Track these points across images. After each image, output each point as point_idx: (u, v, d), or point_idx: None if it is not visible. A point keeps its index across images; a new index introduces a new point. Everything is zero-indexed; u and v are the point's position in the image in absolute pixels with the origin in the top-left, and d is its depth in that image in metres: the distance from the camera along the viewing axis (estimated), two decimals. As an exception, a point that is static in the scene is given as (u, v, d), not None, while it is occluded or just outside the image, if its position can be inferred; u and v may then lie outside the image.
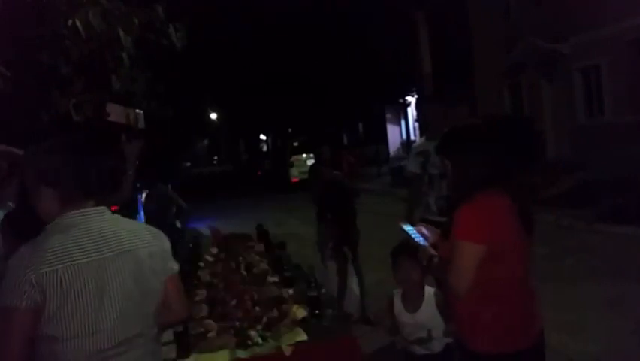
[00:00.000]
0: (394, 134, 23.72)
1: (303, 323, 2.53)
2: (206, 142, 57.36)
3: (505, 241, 2.01)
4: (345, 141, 27.07)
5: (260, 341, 2.40)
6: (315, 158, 5.73)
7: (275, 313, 2.64)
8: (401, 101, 21.88)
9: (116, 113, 6.27)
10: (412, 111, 21.81)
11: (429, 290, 2.89)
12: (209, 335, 2.53)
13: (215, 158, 59.05)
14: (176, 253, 1.91)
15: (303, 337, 2.42)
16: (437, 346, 2.85)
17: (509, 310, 2.04)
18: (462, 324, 2.14)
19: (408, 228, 2.30)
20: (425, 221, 3.11)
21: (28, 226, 1.74)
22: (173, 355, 2.41)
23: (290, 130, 28.40)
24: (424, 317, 2.84)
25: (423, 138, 4.43)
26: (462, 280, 1.98)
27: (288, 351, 2.32)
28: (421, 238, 2.24)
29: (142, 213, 12.20)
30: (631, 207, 7.47)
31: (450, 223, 2.06)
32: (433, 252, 2.17)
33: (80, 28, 4.29)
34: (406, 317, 2.90)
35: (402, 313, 2.91)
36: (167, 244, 1.83)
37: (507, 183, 2.07)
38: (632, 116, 10.74)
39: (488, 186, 2.03)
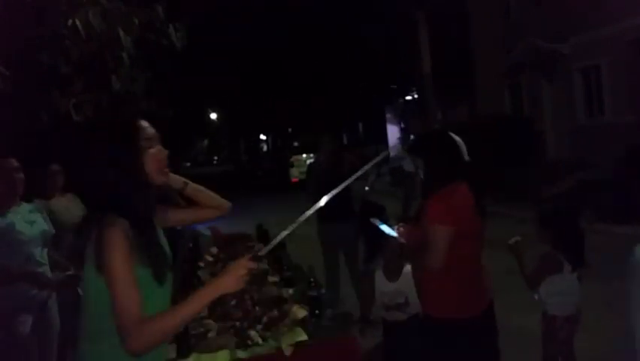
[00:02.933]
0: (394, 135, 23.72)
1: (303, 323, 2.53)
2: (206, 142, 57.32)
3: (465, 224, 2.40)
4: (345, 140, 27.04)
5: (260, 341, 2.41)
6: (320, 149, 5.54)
7: (275, 313, 2.64)
8: (401, 101, 21.88)
9: None
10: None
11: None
12: (209, 335, 2.53)
13: (216, 158, 59.02)
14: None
15: (303, 337, 2.42)
16: (414, 309, 3.21)
17: (466, 282, 2.45)
18: (427, 296, 2.55)
19: (378, 223, 2.71)
20: None
21: None
22: (173, 355, 2.41)
23: (290, 130, 28.40)
24: (402, 284, 3.23)
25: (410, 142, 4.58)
26: (437, 258, 2.35)
27: (288, 351, 2.32)
28: (392, 231, 2.62)
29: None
30: (631, 207, 7.46)
31: (420, 211, 2.49)
32: (402, 241, 2.57)
33: (80, 28, 4.29)
34: (387, 286, 3.33)
35: (384, 283, 3.34)
36: None
37: (466, 178, 2.49)
38: (632, 116, 10.74)
39: (451, 180, 2.45)
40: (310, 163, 5.69)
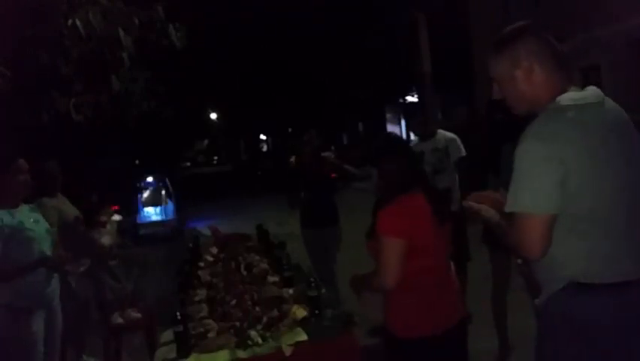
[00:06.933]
0: (394, 134, 23.66)
1: (303, 323, 2.53)
2: (206, 142, 57.29)
3: (421, 236, 2.25)
4: (345, 140, 27.06)
5: (260, 341, 2.40)
6: (298, 147, 5.21)
7: (275, 313, 2.64)
8: (401, 101, 21.86)
9: None
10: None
11: None
12: (209, 335, 2.53)
13: (216, 158, 59.02)
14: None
15: (303, 337, 2.42)
16: None
17: (425, 298, 2.26)
18: (387, 313, 2.36)
19: None
20: None
21: None
22: (173, 355, 2.41)
23: (290, 130, 28.38)
24: None
25: (416, 140, 4.64)
26: (387, 272, 2.22)
27: (288, 351, 2.32)
28: None
29: (142, 212, 12.24)
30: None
31: (374, 224, 2.32)
32: None
33: (80, 28, 4.29)
34: None
35: None
36: None
37: (421, 186, 2.36)
38: (631, 116, 10.72)
39: (406, 190, 2.31)
40: (295, 158, 5.32)
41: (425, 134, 4.53)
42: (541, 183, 1.60)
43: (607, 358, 1.64)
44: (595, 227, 1.64)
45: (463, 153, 4.45)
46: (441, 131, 4.58)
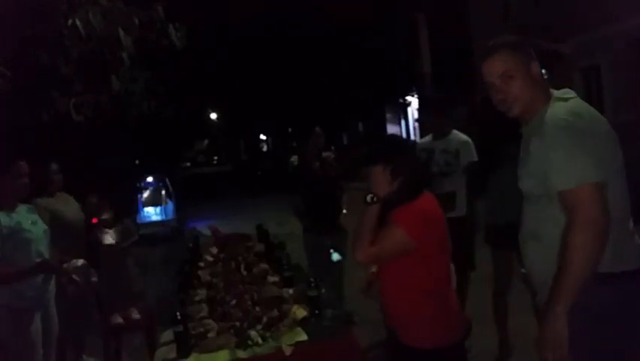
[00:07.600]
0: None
1: (303, 323, 2.53)
2: (206, 142, 57.29)
3: (436, 240, 2.16)
4: (345, 140, 27.05)
5: (260, 341, 2.41)
6: (302, 147, 5.03)
7: (275, 313, 2.64)
8: (401, 101, 21.87)
9: None
10: (412, 111, 21.78)
11: None
12: (209, 335, 2.53)
13: (216, 158, 59.05)
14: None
15: (303, 337, 2.42)
16: None
17: (445, 306, 2.18)
18: (401, 322, 2.22)
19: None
20: None
21: None
22: (173, 355, 2.42)
23: (290, 130, 28.39)
24: None
25: (429, 137, 4.35)
26: (377, 257, 2.16)
27: (288, 351, 2.32)
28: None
29: (142, 212, 12.24)
30: (631, 207, 7.44)
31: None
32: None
33: (80, 28, 4.29)
34: None
35: None
36: None
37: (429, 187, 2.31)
38: (632, 116, 10.74)
39: (419, 191, 2.21)
40: (298, 157, 5.15)
41: (438, 133, 4.24)
42: (587, 153, 1.68)
43: (621, 344, 1.69)
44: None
45: (475, 157, 4.15)
46: (455, 132, 4.26)
